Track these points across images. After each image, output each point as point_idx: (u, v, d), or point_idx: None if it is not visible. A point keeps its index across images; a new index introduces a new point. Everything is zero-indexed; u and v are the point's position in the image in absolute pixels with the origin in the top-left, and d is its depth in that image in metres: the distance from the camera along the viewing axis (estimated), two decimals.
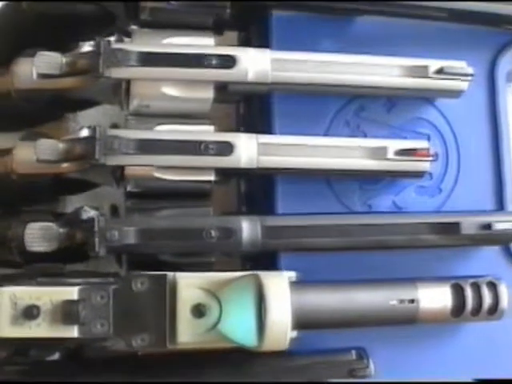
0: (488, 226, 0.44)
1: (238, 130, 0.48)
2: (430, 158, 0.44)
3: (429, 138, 0.47)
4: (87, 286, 0.38)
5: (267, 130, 0.46)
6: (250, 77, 0.43)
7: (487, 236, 0.44)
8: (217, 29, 0.45)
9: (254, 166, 0.42)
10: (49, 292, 0.38)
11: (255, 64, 0.43)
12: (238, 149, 0.42)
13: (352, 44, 0.47)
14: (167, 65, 0.42)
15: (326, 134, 0.46)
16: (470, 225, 0.44)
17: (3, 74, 0.43)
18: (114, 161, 0.41)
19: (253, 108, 0.47)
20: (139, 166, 0.42)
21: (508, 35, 0.49)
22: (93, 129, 0.41)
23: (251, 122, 0.47)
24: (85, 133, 0.41)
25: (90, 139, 0.41)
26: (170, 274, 0.39)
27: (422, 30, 0.48)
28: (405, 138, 0.47)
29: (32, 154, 0.41)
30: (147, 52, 0.42)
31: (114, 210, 0.44)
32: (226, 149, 0.42)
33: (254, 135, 0.43)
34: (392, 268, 0.45)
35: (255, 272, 0.40)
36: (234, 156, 0.42)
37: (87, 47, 0.42)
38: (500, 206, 0.47)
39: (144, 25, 0.44)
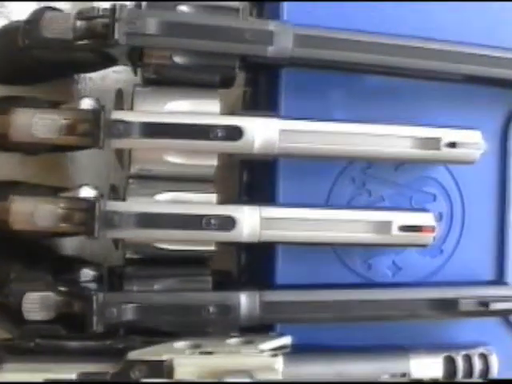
0: (486, 305, 0.43)
1: (240, 191, 0.46)
2: (434, 235, 0.43)
3: (435, 198, 0.46)
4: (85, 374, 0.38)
5: (271, 184, 0.44)
6: (257, 148, 0.41)
7: (485, 312, 0.44)
8: (224, 85, 0.42)
9: (256, 240, 0.41)
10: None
11: (262, 135, 0.41)
12: (241, 223, 0.41)
13: (362, 100, 0.45)
14: (170, 136, 0.40)
15: (330, 191, 0.45)
16: (467, 302, 0.43)
17: None
18: (113, 234, 0.40)
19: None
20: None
21: None
22: (92, 203, 0.39)
23: (255, 179, 0.46)
24: (83, 204, 0.40)
25: (90, 212, 0.40)
26: (167, 359, 0.39)
27: (433, 88, 0.45)
28: (410, 197, 0.46)
29: None
30: (149, 123, 0.40)
31: (112, 273, 0.43)
32: (228, 223, 0.41)
33: (257, 208, 0.41)
34: (387, 333, 0.45)
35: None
36: (236, 231, 0.41)
37: (86, 114, 0.40)
38: (500, 274, 0.46)
39: (147, 82, 0.42)
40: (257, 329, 0.43)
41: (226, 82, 0.42)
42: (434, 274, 0.46)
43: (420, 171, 0.46)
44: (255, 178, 0.46)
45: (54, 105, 0.43)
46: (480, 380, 0.45)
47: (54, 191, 0.42)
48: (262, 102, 0.45)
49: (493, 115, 0.46)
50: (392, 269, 0.46)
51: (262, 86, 0.45)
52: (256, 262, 0.46)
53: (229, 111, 0.43)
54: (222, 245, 0.42)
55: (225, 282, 0.44)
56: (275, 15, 0.44)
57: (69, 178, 0.48)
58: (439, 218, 0.46)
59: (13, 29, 0.43)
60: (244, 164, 0.47)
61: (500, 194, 0.47)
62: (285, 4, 0.44)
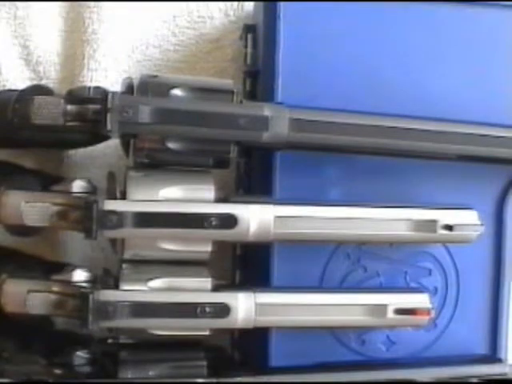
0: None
1: (234, 270, 0.46)
2: (430, 317, 0.42)
3: (430, 273, 0.46)
4: None
5: (266, 262, 0.44)
6: (251, 236, 0.40)
7: None
8: (219, 167, 0.41)
9: (251, 325, 0.41)
10: None
11: (257, 223, 0.40)
12: (235, 310, 0.40)
13: (357, 178, 0.45)
14: (164, 226, 0.39)
15: (325, 267, 0.44)
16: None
17: None
18: (107, 324, 0.39)
19: None
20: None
21: None
22: (85, 296, 0.39)
23: (249, 257, 0.45)
24: (76, 302, 0.39)
25: (83, 302, 0.39)
26: None
27: (428, 166, 0.45)
28: (406, 272, 0.45)
29: None
30: (142, 213, 0.39)
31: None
32: (223, 311, 0.40)
33: (251, 294, 0.41)
34: None
35: None
36: (231, 317, 0.40)
37: (78, 201, 0.39)
38: (493, 349, 0.46)
39: (140, 164, 0.41)
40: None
41: (222, 165, 0.41)
42: (427, 348, 0.46)
43: (415, 247, 0.45)
44: (250, 256, 0.45)
45: (45, 181, 0.42)
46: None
47: (47, 270, 0.42)
48: (256, 178, 0.45)
49: (487, 191, 0.46)
50: (386, 344, 0.46)
51: (254, 161, 0.44)
52: (250, 342, 0.45)
53: (223, 186, 0.43)
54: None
55: (219, 360, 0.44)
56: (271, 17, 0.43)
57: (61, 257, 0.47)
58: (434, 292, 0.46)
59: (4, 99, 0.41)
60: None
61: (494, 270, 0.46)
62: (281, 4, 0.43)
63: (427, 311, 0.42)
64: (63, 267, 0.42)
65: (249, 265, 0.45)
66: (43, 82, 0.48)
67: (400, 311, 0.42)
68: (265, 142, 0.40)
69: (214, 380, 0.40)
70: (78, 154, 0.48)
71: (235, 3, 0.49)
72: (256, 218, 0.40)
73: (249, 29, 0.46)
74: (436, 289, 0.46)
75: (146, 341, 0.41)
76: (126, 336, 0.41)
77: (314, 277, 0.44)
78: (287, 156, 0.43)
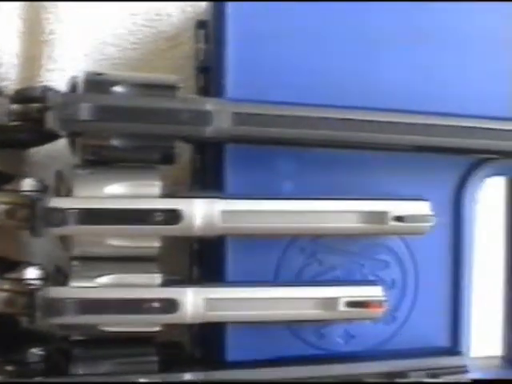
0: (436, 377, 0.43)
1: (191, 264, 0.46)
2: (383, 309, 0.42)
3: (387, 265, 0.45)
4: None
5: (220, 257, 0.44)
6: (197, 230, 0.40)
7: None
8: (165, 162, 0.41)
9: (201, 320, 0.41)
10: None
11: (203, 217, 0.40)
12: (184, 306, 0.41)
13: (310, 170, 0.44)
14: (109, 222, 0.39)
15: (280, 261, 0.44)
16: (417, 375, 0.43)
17: None
18: (55, 320, 0.40)
19: None
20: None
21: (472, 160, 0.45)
22: (33, 293, 0.39)
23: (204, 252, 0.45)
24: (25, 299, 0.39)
25: (31, 298, 0.39)
26: None
27: (383, 157, 0.44)
28: (362, 265, 0.45)
29: None
30: (87, 209, 0.39)
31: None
32: (171, 306, 0.40)
33: (200, 289, 0.41)
34: None
35: None
36: (180, 313, 0.41)
37: (24, 199, 0.39)
38: (454, 341, 0.46)
39: (86, 163, 0.41)
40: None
41: (167, 160, 0.41)
42: (387, 341, 0.46)
43: (372, 239, 0.45)
44: (205, 251, 0.45)
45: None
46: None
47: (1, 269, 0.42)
48: (209, 171, 0.45)
49: (445, 182, 0.46)
50: (344, 337, 0.45)
51: (207, 157, 0.45)
52: (207, 336, 0.45)
53: (175, 182, 0.43)
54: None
55: (174, 356, 0.44)
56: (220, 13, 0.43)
57: (25, 255, 0.47)
58: (392, 284, 0.45)
59: None
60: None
61: (454, 261, 0.46)
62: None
63: (379, 304, 0.42)
64: (19, 265, 0.43)
65: (205, 260, 0.45)
66: (4, 84, 0.49)
67: (352, 304, 0.42)
68: (208, 136, 0.40)
69: (158, 379, 0.40)
70: (41, 153, 0.49)
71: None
72: (201, 213, 0.40)
73: (201, 25, 0.46)
74: (394, 281, 0.45)
75: (98, 337, 0.42)
76: (77, 333, 0.41)
77: (268, 271, 0.44)
78: (238, 151, 0.43)
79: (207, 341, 0.45)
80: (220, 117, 0.40)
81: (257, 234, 0.41)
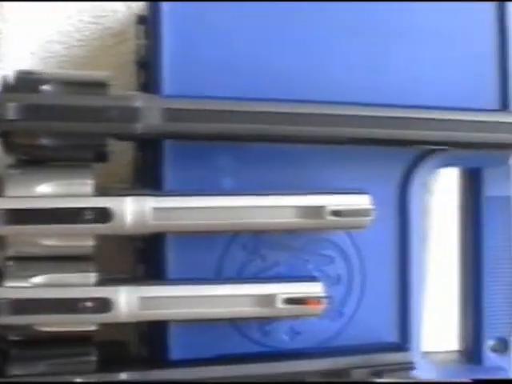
0: (379, 374, 0.42)
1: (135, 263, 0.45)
2: (322, 306, 0.42)
3: (332, 260, 0.45)
4: None
5: (160, 254, 0.43)
6: (129, 229, 0.40)
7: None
8: (98, 160, 0.41)
9: (135, 320, 0.41)
10: None
11: (134, 215, 0.40)
12: (117, 305, 0.40)
13: (252, 166, 0.44)
14: (40, 222, 0.39)
15: (222, 258, 0.44)
16: (360, 372, 0.42)
17: None
18: None
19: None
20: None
21: (418, 153, 0.45)
22: None
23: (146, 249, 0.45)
24: None
25: None
26: None
27: (327, 151, 0.44)
28: (307, 260, 0.45)
29: None
30: (16, 209, 0.39)
31: None
32: (105, 306, 0.40)
33: (134, 288, 0.41)
34: None
35: None
36: (114, 312, 0.40)
37: None
38: (403, 336, 0.45)
39: (19, 162, 0.41)
40: None
41: (100, 158, 0.41)
42: (334, 337, 0.45)
43: (316, 234, 0.44)
44: (148, 249, 0.45)
45: None
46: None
47: None
48: (149, 169, 0.44)
49: (390, 174, 0.45)
50: (290, 334, 0.45)
51: (147, 154, 0.44)
52: (152, 335, 0.45)
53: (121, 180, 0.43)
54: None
55: (117, 355, 0.44)
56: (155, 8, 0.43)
57: None
58: (337, 280, 0.45)
59: None
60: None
61: (401, 255, 0.45)
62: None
63: (318, 300, 0.42)
64: None
65: (148, 259, 0.45)
66: None
67: (290, 301, 0.42)
68: (138, 133, 0.40)
69: (94, 379, 0.40)
70: None
71: None
72: (132, 211, 0.40)
73: (141, 20, 0.45)
74: (339, 276, 0.45)
75: (36, 337, 0.42)
76: (13, 333, 0.41)
77: (210, 269, 0.44)
78: (176, 147, 0.43)
79: (152, 340, 0.45)
80: (149, 113, 0.39)
81: (190, 231, 0.41)
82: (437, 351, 0.50)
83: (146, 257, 0.45)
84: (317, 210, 0.41)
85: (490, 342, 0.48)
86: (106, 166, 0.42)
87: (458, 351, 0.50)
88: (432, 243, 0.53)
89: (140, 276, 0.45)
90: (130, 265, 0.46)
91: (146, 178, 0.44)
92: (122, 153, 0.47)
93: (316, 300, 0.41)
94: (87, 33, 0.50)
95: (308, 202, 0.41)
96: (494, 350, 0.48)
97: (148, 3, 0.44)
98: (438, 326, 0.52)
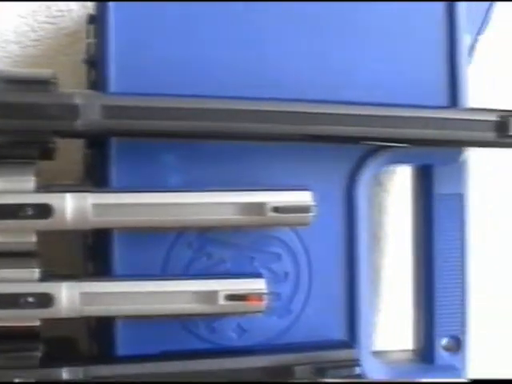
0: (321, 371, 0.43)
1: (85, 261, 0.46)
2: (264, 302, 0.42)
3: (279, 258, 0.45)
4: None
5: (107, 252, 0.44)
6: (69, 224, 0.41)
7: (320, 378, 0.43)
8: (45, 158, 0.42)
9: (78, 315, 0.42)
10: None
11: (73, 211, 0.41)
12: (59, 300, 0.41)
13: (199, 164, 0.44)
14: None
15: (168, 256, 0.45)
16: (304, 369, 0.43)
17: None
18: None
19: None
20: None
21: (365, 150, 0.45)
22: None
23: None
24: None
25: None
26: None
27: (274, 148, 0.44)
28: (253, 258, 0.45)
29: None
30: None
31: None
32: (47, 301, 0.41)
33: (76, 283, 0.42)
34: None
35: None
36: (55, 307, 0.41)
37: None
38: (351, 333, 0.46)
39: None
40: None
41: (46, 156, 0.42)
42: (282, 334, 0.46)
43: (262, 231, 0.45)
44: (96, 243, 0.46)
45: None
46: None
47: None
48: (97, 166, 0.45)
49: (337, 171, 0.45)
50: (237, 331, 0.45)
51: (94, 151, 0.45)
52: (100, 332, 0.46)
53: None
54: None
55: (64, 351, 0.45)
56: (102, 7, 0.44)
57: None
58: (285, 277, 0.46)
59: None
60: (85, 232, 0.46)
61: (348, 253, 0.46)
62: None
63: (259, 296, 0.42)
64: None
65: (97, 256, 0.46)
66: None
67: (231, 297, 0.42)
68: (78, 130, 0.41)
69: (37, 375, 0.41)
70: None
71: None
72: (72, 207, 0.41)
73: (91, 19, 0.46)
74: (287, 274, 0.45)
75: None
76: None
77: (156, 267, 0.44)
78: (123, 145, 0.44)
79: (100, 336, 0.46)
80: (89, 110, 0.40)
81: (130, 227, 0.42)
82: (391, 350, 0.51)
83: (94, 254, 0.46)
84: (258, 207, 0.42)
85: (442, 341, 0.48)
86: (60, 163, 0.43)
87: (412, 350, 0.50)
88: (388, 242, 0.53)
89: (88, 273, 0.46)
90: (81, 262, 0.47)
91: (95, 176, 0.45)
92: (77, 151, 0.48)
93: (257, 296, 0.42)
94: (42, 32, 0.51)
95: (249, 198, 0.42)
96: (447, 348, 0.48)
97: (96, 2, 0.45)
98: (394, 326, 0.52)
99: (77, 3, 0.51)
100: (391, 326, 0.53)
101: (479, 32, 0.52)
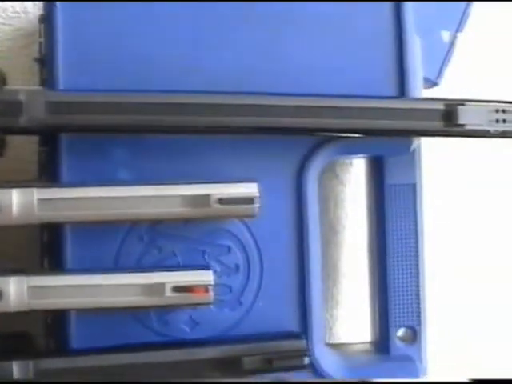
0: (270, 362, 0.44)
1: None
2: (210, 294, 0.44)
3: (229, 250, 0.47)
4: None
5: (59, 246, 0.46)
6: (15, 219, 0.43)
7: (269, 369, 0.45)
8: None
9: (26, 309, 0.43)
10: None
11: (19, 207, 0.42)
12: (7, 294, 0.43)
13: (148, 158, 0.46)
14: None
15: (119, 250, 0.46)
16: (251, 360, 0.44)
17: None
18: None
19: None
20: None
21: (314, 141, 0.47)
22: None
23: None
24: None
25: None
26: None
27: (223, 141, 0.46)
28: (203, 250, 0.47)
29: None
30: None
31: None
32: None
33: (24, 278, 0.43)
34: None
35: None
36: (4, 301, 0.43)
37: None
38: (303, 324, 0.47)
39: None
40: None
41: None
42: (234, 327, 0.47)
43: (212, 224, 0.47)
44: (51, 238, 0.48)
45: None
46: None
47: None
48: (49, 162, 0.47)
49: (285, 163, 0.47)
50: (189, 324, 0.47)
51: (46, 148, 0.47)
52: (57, 325, 0.47)
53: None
54: None
55: (19, 346, 0.46)
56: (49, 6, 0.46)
57: None
58: (236, 270, 0.47)
59: None
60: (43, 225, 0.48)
61: (298, 244, 0.47)
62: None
63: (205, 288, 0.44)
64: None
65: (52, 251, 0.48)
66: None
67: (178, 289, 0.44)
68: (22, 126, 0.42)
69: None
70: None
71: None
72: (18, 202, 0.42)
73: (42, 19, 0.48)
74: (238, 266, 0.47)
75: None
76: None
77: (108, 261, 0.46)
78: (74, 141, 0.45)
79: (56, 331, 0.47)
80: (33, 106, 0.42)
81: (76, 221, 0.43)
82: (350, 343, 0.52)
83: (49, 250, 0.48)
84: (203, 199, 0.43)
85: (398, 332, 0.50)
86: (15, 163, 0.45)
87: (370, 342, 0.52)
88: (345, 235, 0.55)
89: (42, 268, 0.48)
90: (34, 258, 0.49)
91: (47, 173, 0.47)
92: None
93: (203, 288, 0.44)
94: (0, 34, 0.53)
95: (194, 191, 0.43)
96: (403, 339, 0.50)
97: (44, 2, 0.46)
98: (353, 318, 0.54)
99: (32, 4, 0.52)
100: (350, 318, 0.55)
101: (458, 29, 0.53)
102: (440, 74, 0.51)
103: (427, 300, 0.50)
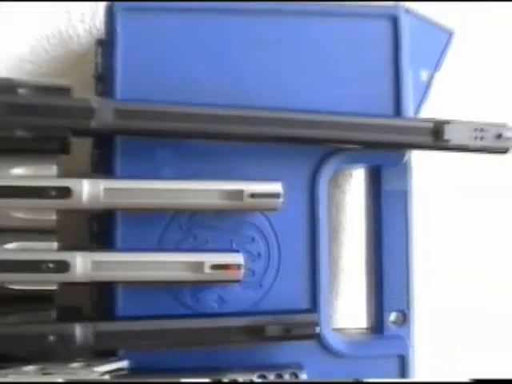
0: (288, 330, 0.56)
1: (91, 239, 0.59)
2: (242, 272, 0.56)
3: (253, 240, 0.59)
4: None
5: (111, 231, 0.57)
6: (84, 204, 0.54)
7: (287, 336, 0.56)
8: (61, 152, 0.55)
9: (89, 280, 0.54)
10: None
11: (88, 194, 0.54)
12: (74, 266, 0.54)
13: (189, 160, 0.57)
14: (12, 197, 0.53)
15: (161, 236, 0.57)
16: (273, 328, 0.56)
17: None
18: None
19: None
20: None
21: (324, 151, 0.59)
22: None
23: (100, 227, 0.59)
24: None
25: None
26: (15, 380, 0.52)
27: (251, 148, 0.58)
28: (231, 239, 0.59)
29: None
30: None
31: None
32: (64, 267, 0.54)
33: (88, 253, 0.54)
34: (212, 357, 0.57)
35: None
36: (71, 272, 0.54)
37: None
38: (314, 304, 0.59)
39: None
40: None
41: (63, 150, 0.55)
42: (255, 305, 0.59)
43: (239, 217, 0.58)
44: (101, 226, 0.59)
45: None
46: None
47: None
48: (103, 163, 0.59)
49: (302, 168, 0.59)
50: (218, 302, 0.58)
51: (101, 150, 0.59)
52: (103, 298, 0.58)
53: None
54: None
55: (71, 315, 0.57)
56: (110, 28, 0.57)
57: None
58: (258, 256, 0.59)
59: None
60: (93, 216, 0.60)
61: (311, 236, 0.59)
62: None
63: (238, 267, 0.55)
64: None
65: (101, 237, 0.59)
66: None
67: (215, 267, 0.55)
68: (93, 128, 0.54)
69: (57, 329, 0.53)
70: None
71: (98, 25, 0.64)
72: (88, 190, 0.54)
73: (99, 43, 0.60)
74: (260, 254, 0.59)
75: (8, 295, 0.55)
76: None
77: (152, 244, 0.57)
78: (126, 144, 0.57)
79: (103, 302, 0.58)
80: (103, 112, 0.54)
81: (133, 208, 0.55)
82: (348, 327, 0.64)
83: (98, 237, 0.59)
84: (237, 193, 0.55)
85: (390, 316, 0.62)
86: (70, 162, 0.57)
87: (365, 328, 0.64)
88: (345, 235, 0.67)
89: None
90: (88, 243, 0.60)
91: (101, 171, 0.59)
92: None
93: (236, 266, 0.55)
94: (54, 54, 0.64)
95: (230, 186, 0.55)
96: (395, 322, 0.62)
97: (106, 27, 0.59)
98: (350, 307, 0.66)
99: (83, 29, 0.64)
100: (348, 307, 0.67)
101: (435, 69, 0.65)
102: (418, 110, 0.62)
103: (421, 303, 0.62)
